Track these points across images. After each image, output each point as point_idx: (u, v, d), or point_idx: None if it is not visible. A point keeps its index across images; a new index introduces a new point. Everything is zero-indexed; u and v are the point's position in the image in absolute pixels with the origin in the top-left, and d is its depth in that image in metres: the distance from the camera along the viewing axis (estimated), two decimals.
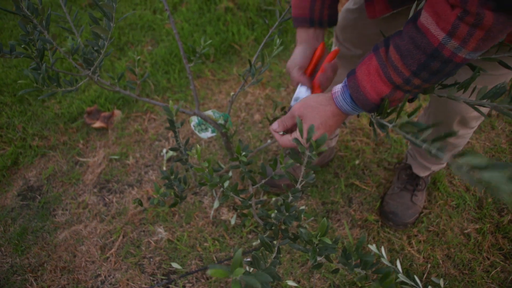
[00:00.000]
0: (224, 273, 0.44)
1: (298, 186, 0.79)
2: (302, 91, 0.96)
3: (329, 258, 0.70)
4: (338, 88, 0.79)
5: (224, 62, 2.25)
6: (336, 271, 0.70)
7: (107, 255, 1.48)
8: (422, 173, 1.53)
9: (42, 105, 2.09)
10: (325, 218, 0.64)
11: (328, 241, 0.63)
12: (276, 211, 0.83)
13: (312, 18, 0.96)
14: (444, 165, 1.51)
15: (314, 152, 0.77)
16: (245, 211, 1.44)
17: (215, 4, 2.57)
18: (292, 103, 0.97)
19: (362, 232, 1.48)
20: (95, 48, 0.97)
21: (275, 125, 0.88)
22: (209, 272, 0.43)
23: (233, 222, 1.52)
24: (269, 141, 1.20)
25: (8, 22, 2.67)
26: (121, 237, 1.53)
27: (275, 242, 0.86)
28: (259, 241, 1.42)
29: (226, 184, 0.92)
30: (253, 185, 1.02)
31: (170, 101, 0.91)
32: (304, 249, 0.76)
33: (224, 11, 2.47)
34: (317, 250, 0.68)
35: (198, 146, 0.84)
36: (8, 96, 2.13)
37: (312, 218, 1.29)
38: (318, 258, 0.71)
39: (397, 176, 1.60)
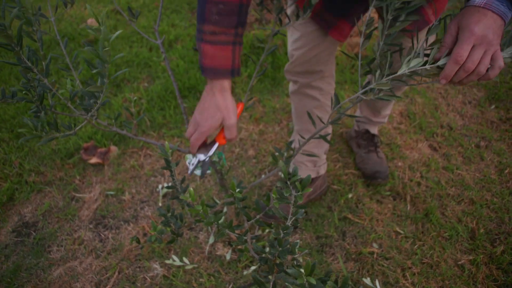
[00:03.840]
0: None
1: (289, 223, 0.82)
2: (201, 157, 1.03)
3: None
4: None
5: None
6: None
7: None
8: (376, 131, 1.90)
9: (39, 141, 2.11)
10: (309, 260, 0.66)
11: (313, 281, 0.65)
12: (268, 245, 0.85)
13: (233, 69, 0.97)
14: (390, 111, 1.83)
15: (300, 193, 0.80)
16: (241, 247, 1.46)
17: None
18: (203, 158, 1.02)
19: (357, 266, 1.49)
20: (92, 100, 1.01)
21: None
22: None
23: (228, 257, 1.52)
24: (263, 176, 1.23)
25: (8, 58, 2.74)
26: (116, 273, 1.52)
27: (270, 277, 0.87)
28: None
29: (221, 220, 0.95)
30: (248, 221, 1.04)
31: (166, 142, 0.94)
32: (298, 283, 0.78)
33: None
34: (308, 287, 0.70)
35: (191, 189, 0.87)
36: (5, 132, 2.16)
37: (306, 251, 1.31)
38: None
39: (356, 145, 1.92)
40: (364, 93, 0.90)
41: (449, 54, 0.80)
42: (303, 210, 0.81)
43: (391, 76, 0.81)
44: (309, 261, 0.62)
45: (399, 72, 0.79)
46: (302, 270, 0.71)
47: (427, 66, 0.80)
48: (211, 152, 1.01)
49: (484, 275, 1.45)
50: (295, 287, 0.71)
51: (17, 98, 0.99)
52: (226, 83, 0.97)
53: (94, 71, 0.73)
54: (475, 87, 2.34)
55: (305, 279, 0.65)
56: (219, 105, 0.95)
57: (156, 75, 2.48)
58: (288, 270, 0.67)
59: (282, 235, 0.81)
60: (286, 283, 0.73)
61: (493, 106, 2.19)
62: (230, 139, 0.99)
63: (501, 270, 1.46)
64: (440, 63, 0.80)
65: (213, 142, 1.03)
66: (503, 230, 1.59)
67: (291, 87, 1.55)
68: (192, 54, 2.56)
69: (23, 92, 0.97)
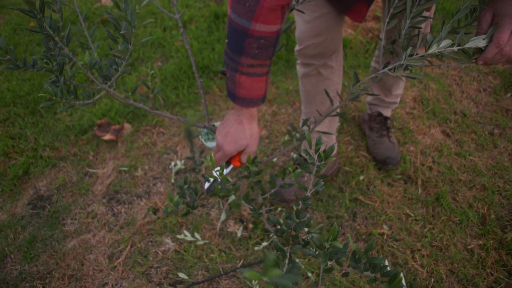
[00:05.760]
0: (258, 276, 0.48)
1: (308, 193, 0.83)
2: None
3: (339, 262, 0.73)
4: None
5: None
6: (346, 274, 0.73)
7: (115, 264, 1.50)
8: (389, 113, 1.88)
9: (53, 117, 2.14)
10: (335, 223, 0.67)
11: (340, 245, 0.66)
12: (284, 216, 0.86)
13: (264, 96, 1.02)
14: (401, 91, 1.82)
15: (322, 162, 0.81)
16: (255, 219, 1.47)
17: (223, 22, 2.65)
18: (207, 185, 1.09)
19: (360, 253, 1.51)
20: (113, 67, 1.02)
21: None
22: (244, 274, 0.46)
23: (239, 234, 1.54)
24: (277, 152, 1.24)
25: (24, 37, 2.76)
26: (129, 246, 1.55)
27: (285, 249, 0.89)
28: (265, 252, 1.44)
29: (233, 197, 0.97)
30: (262, 195, 1.06)
31: (189, 112, 0.96)
32: (315, 254, 0.79)
33: None
34: (328, 254, 0.71)
35: (212, 153, 0.88)
36: (21, 108, 2.19)
37: (321, 224, 1.32)
38: (329, 262, 0.74)
39: (368, 129, 1.91)
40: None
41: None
42: (322, 183, 0.82)
43: (423, 54, 0.83)
44: (335, 225, 0.63)
45: (430, 51, 0.80)
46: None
47: (455, 48, 0.81)
48: (225, 172, 1.06)
49: (494, 260, 1.45)
50: (306, 265, 0.72)
51: (38, 66, 1.00)
52: (255, 111, 1.01)
53: (122, 32, 0.73)
54: (490, 74, 2.31)
55: (329, 244, 0.66)
56: (245, 132, 1.00)
57: (170, 54, 2.48)
58: (313, 234, 0.68)
59: (300, 205, 0.82)
60: (297, 259, 0.74)
61: (509, 94, 2.16)
62: (245, 163, 1.03)
63: (511, 256, 1.46)
64: (466, 46, 0.82)
65: (229, 163, 1.08)
66: None
67: (302, 69, 1.53)
68: (206, 35, 2.56)
69: (44, 60, 0.99)
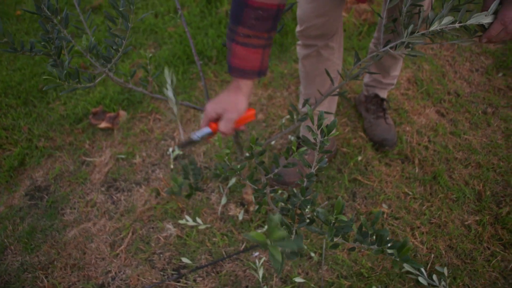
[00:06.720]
0: (262, 237, 0.48)
1: (313, 170, 0.83)
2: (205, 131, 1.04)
3: (346, 237, 0.74)
4: None
5: (226, 64, 2.29)
6: (352, 249, 0.74)
7: (117, 251, 1.50)
8: (385, 95, 1.89)
9: (47, 106, 2.11)
10: (340, 197, 0.68)
11: (345, 218, 0.67)
12: (290, 194, 0.87)
13: (261, 70, 1.02)
14: (398, 72, 1.82)
15: (326, 137, 0.81)
16: (259, 199, 1.48)
17: (216, 7, 2.62)
18: (194, 135, 1.04)
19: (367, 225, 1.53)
20: (114, 48, 1.01)
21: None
22: (249, 235, 0.46)
23: (240, 217, 1.55)
24: (277, 134, 1.25)
25: (11, 26, 2.70)
26: (130, 234, 1.55)
27: (291, 226, 0.89)
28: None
29: (233, 180, 0.97)
30: (266, 175, 1.06)
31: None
32: (320, 231, 0.80)
33: (225, 14, 2.52)
34: (334, 229, 0.72)
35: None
36: (12, 98, 2.15)
37: (326, 202, 1.34)
38: (335, 238, 0.75)
39: (364, 110, 1.92)
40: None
41: None
42: (326, 159, 0.83)
43: (425, 31, 0.83)
44: (339, 200, 0.64)
45: (432, 28, 0.80)
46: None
47: (457, 25, 0.81)
48: (199, 133, 1.03)
49: (490, 235, 1.49)
50: (309, 245, 0.73)
51: (36, 50, 0.99)
52: (243, 84, 1.01)
53: (121, 8, 0.72)
54: (482, 54, 2.33)
55: (334, 219, 0.67)
56: (229, 98, 1.01)
57: (163, 41, 2.46)
58: (319, 209, 0.68)
59: (305, 183, 0.82)
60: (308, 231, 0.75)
61: (500, 74, 2.19)
62: (221, 131, 1.02)
63: (506, 230, 1.50)
64: (468, 22, 0.82)
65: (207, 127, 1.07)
66: (509, 193, 1.62)
67: (303, 51, 1.52)
68: (198, 20, 2.53)
69: (42, 43, 0.97)
